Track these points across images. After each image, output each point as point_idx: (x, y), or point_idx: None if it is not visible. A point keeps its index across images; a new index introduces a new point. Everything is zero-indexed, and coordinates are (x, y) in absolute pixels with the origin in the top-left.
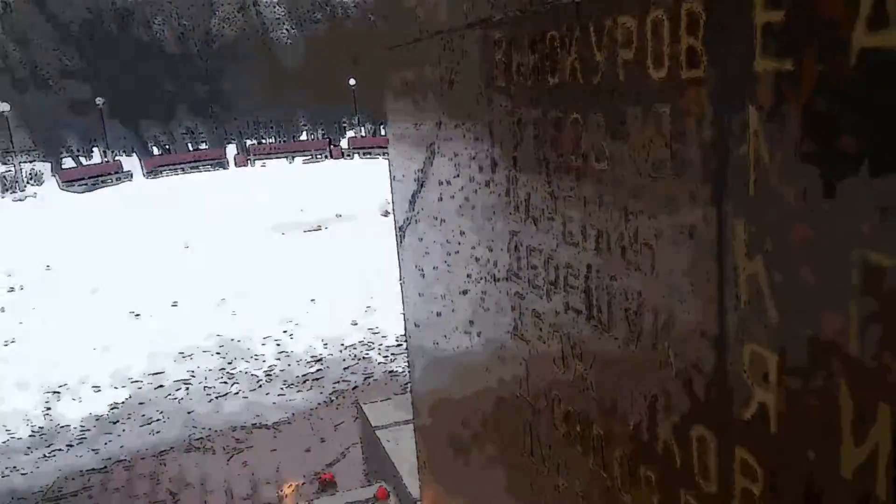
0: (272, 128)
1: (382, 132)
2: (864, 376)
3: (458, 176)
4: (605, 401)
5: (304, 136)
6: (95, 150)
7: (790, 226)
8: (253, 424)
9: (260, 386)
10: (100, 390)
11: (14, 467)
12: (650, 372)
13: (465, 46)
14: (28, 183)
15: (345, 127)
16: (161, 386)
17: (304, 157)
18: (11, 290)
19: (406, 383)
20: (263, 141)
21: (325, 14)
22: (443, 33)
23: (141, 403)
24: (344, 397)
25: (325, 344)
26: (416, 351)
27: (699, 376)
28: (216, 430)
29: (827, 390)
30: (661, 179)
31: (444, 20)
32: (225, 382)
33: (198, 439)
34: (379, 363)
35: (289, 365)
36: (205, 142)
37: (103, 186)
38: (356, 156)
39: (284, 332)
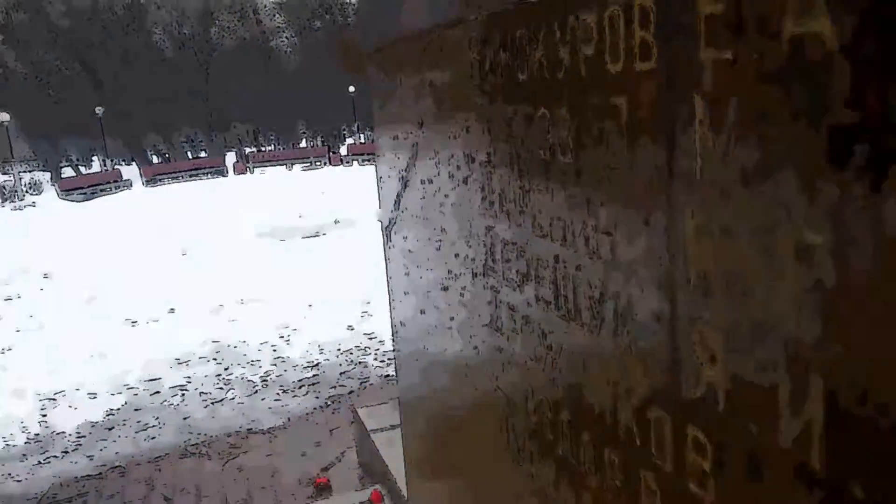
0: (271, 135)
1: None
2: (798, 351)
3: (438, 175)
4: (572, 388)
5: (303, 144)
6: (95, 159)
7: (731, 208)
8: (249, 430)
9: (256, 391)
10: (96, 397)
11: (9, 474)
12: (613, 358)
13: (443, 46)
14: (27, 192)
15: (344, 134)
16: (157, 392)
17: (304, 165)
18: (9, 298)
19: None
20: (263, 148)
21: (325, 22)
22: (422, 34)
23: (137, 410)
24: (340, 402)
25: (322, 349)
26: (402, 349)
27: (655, 359)
28: (212, 436)
29: (766, 366)
30: (618, 170)
31: (423, 21)
32: (221, 388)
33: (193, 445)
34: (375, 368)
35: (285, 370)
36: (204, 150)
37: (102, 195)
38: (355, 163)
39: (281, 337)
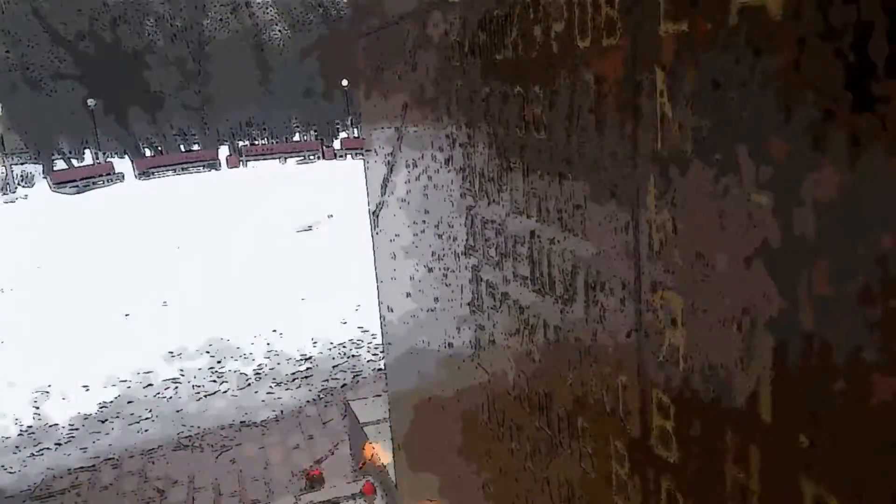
0: (265, 129)
1: None
2: (749, 308)
3: (422, 157)
4: (547, 361)
5: (296, 137)
6: (87, 151)
7: (688, 175)
8: (242, 422)
9: (249, 384)
10: (89, 389)
11: (2, 466)
12: (584, 328)
13: (426, 29)
14: (19, 185)
15: (337, 128)
16: (150, 385)
17: (297, 158)
18: (1, 290)
19: None
20: (256, 142)
21: (318, 15)
22: (406, 17)
23: (130, 402)
24: (332, 395)
25: (315, 342)
26: (389, 333)
27: (622, 325)
28: (205, 429)
29: (722, 326)
30: (588, 143)
31: (408, 4)
32: (214, 381)
33: (186, 437)
34: (368, 361)
35: (278, 363)
36: (197, 143)
37: (95, 188)
38: (349, 156)
39: (274, 331)
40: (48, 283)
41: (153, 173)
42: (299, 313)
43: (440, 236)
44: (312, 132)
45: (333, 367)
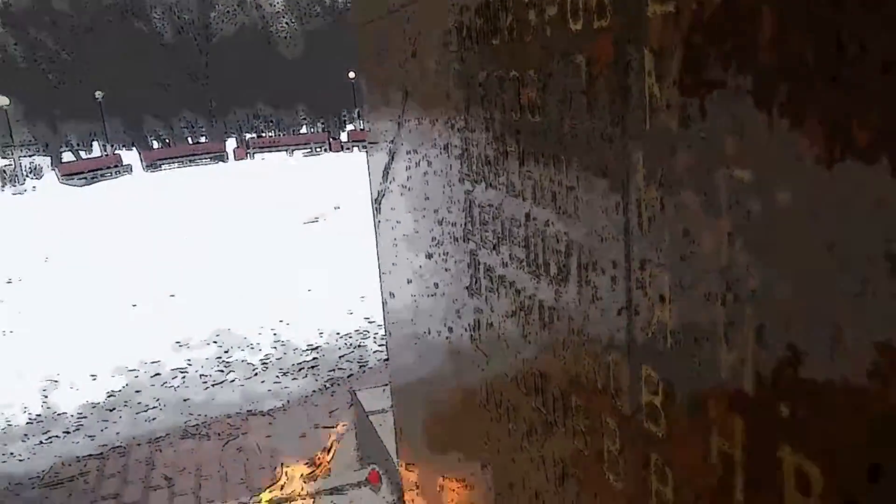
0: (272, 121)
1: None
2: (732, 285)
3: (422, 143)
4: (542, 341)
5: (303, 130)
6: (95, 143)
7: (675, 153)
8: (248, 411)
9: (255, 374)
10: (96, 378)
11: (11, 453)
12: (577, 308)
13: (425, 17)
14: (27, 176)
15: (344, 120)
16: (157, 374)
17: (304, 151)
18: (10, 281)
19: None
20: (263, 134)
21: (325, 7)
22: (406, 6)
23: (137, 391)
24: (339, 385)
25: (321, 333)
26: (391, 319)
27: (613, 304)
28: (212, 417)
29: (707, 301)
30: (580, 125)
31: None
32: (221, 371)
33: (193, 426)
34: (374, 351)
35: (285, 353)
36: (204, 135)
37: (102, 180)
38: (356, 149)
39: (281, 321)
40: (56, 275)
41: (161, 165)
42: (306, 304)
43: (440, 222)
44: (319, 124)
45: (340, 357)
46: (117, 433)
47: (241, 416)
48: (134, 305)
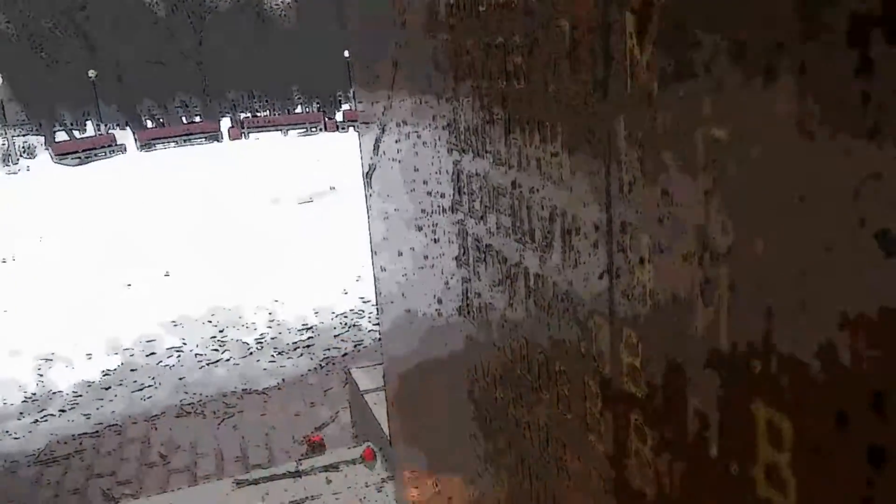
0: (266, 101)
1: None
2: (708, 244)
3: (412, 114)
4: (527, 309)
5: (298, 109)
6: (89, 123)
7: (654, 115)
8: (244, 390)
9: (251, 353)
10: (91, 357)
11: (7, 432)
12: (560, 273)
13: None
14: (21, 156)
15: (340, 100)
16: (153, 353)
17: (299, 130)
18: (4, 261)
19: None
20: (258, 114)
21: None
22: None
23: (133, 370)
24: (334, 364)
25: (316, 312)
26: (383, 293)
27: (596, 268)
28: (207, 396)
29: (684, 262)
30: (564, 90)
31: None
32: (216, 350)
33: (189, 405)
34: (369, 331)
35: (280, 333)
36: (199, 115)
37: (97, 160)
38: (351, 129)
39: (276, 301)
40: (51, 254)
41: (155, 145)
42: (301, 283)
43: (429, 193)
44: (315, 104)
45: (335, 336)
46: (113, 412)
47: (236, 395)
48: (129, 285)
